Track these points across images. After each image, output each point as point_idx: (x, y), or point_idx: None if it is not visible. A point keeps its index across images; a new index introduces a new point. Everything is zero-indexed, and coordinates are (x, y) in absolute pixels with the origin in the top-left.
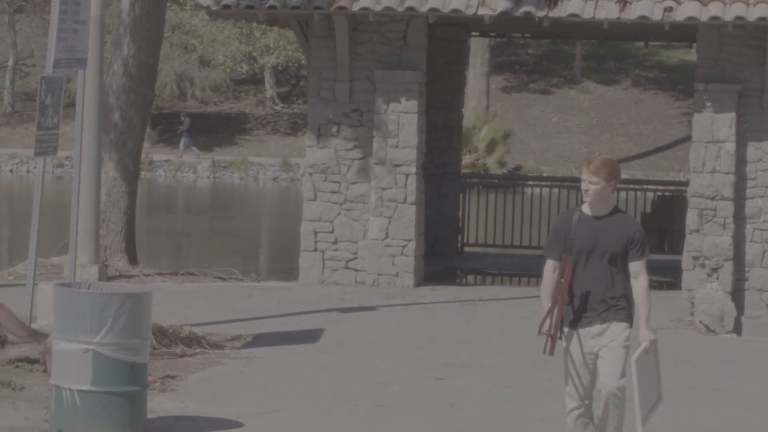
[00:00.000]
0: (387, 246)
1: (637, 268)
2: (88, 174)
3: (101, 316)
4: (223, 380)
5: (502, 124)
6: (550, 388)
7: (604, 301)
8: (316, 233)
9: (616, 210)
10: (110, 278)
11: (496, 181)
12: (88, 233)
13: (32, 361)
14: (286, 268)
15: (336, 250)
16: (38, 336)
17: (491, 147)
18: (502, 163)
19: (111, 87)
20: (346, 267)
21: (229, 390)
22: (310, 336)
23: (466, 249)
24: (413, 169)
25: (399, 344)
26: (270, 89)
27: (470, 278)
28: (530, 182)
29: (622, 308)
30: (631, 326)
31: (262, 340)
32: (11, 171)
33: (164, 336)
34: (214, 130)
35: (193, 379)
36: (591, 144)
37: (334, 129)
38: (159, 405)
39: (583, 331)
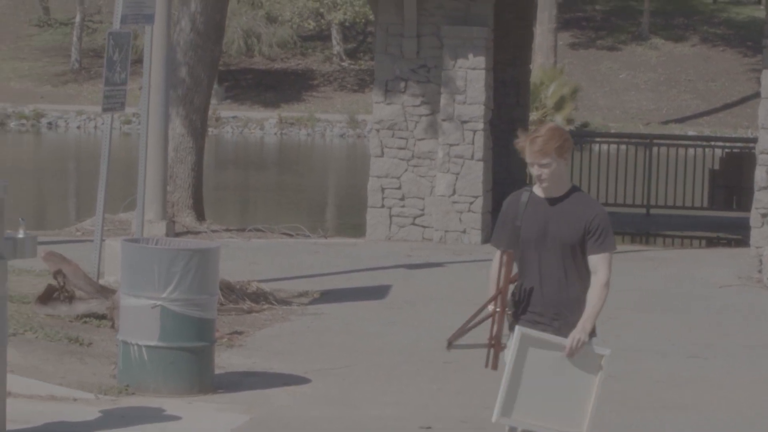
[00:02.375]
0: (454, 202)
1: (596, 264)
2: (156, 130)
3: (169, 271)
4: (290, 336)
5: (570, 81)
6: (619, 345)
7: (555, 305)
8: (383, 189)
9: (573, 190)
10: (177, 234)
11: None
12: (156, 189)
13: (100, 317)
14: (352, 224)
15: (403, 206)
16: (106, 292)
17: (559, 104)
18: (569, 120)
19: (178, 43)
20: (413, 223)
21: (296, 346)
22: (377, 292)
23: None
24: (481, 126)
25: (466, 300)
26: (337, 45)
27: None
28: (598, 139)
29: (579, 319)
30: (593, 341)
31: (329, 296)
32: (79, 128)
33: (231, 292)
34: (281, 87)
35: (260, 335)
36: (659, 101)
37: (402, 85)
38: (226, 361)
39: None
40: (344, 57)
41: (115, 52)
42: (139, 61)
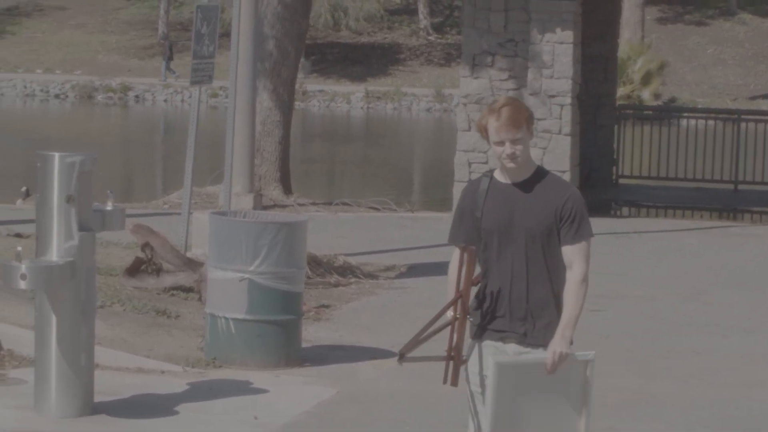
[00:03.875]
0: None
1: (570, 257)
2: (243, 103)
3: (256, 244)
4: (376, 310)
5: (657, 56)
6: (706, 321)
7: (522, 308)
8: (469, 164)
9: (539, 172)
10: (265, 207)
11: (651, 112)
12: (243, 162)
13: (187, 290)
14: (439, 198)
15: None
16: (193, 264)
17: (646, 79)
18: (656, 95)
19: (266, 16)
20: None
21: (383, 320)
22: None
23: (621, 181)
24: (568, 100)
25: None
26: (424, 19)
27: (625, 210)
28: (686, 114)
29: (551, 323)
30: (573, 347)
31: (415, 270)
32: (165, 101)
33: (318, 265)
34: (368, 61)
35: (347, 309)
36: (746, 76)
37: (489, 59)
38: (313, 334)
39: (491, 345)
40: (431, 31)
41: (203, 25)
42: (226, 34)
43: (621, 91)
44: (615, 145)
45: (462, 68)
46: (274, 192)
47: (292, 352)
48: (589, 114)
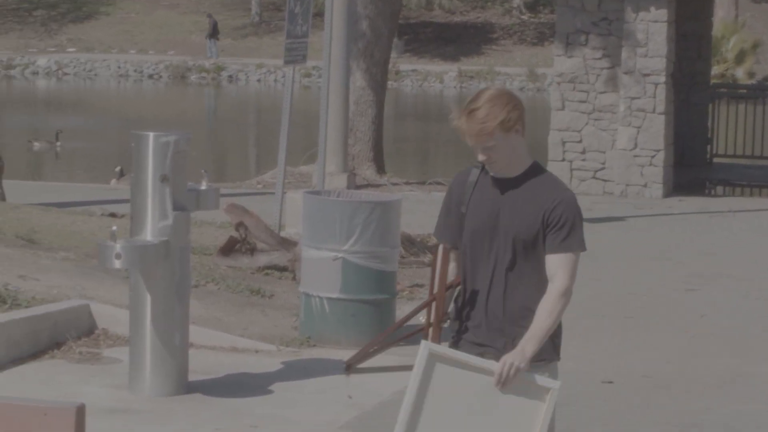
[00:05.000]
0: (635, 156)
1: (554, 267)
2: (337, 83)
3: (350, 223)
4: None
5: (751, 35)
6: None
7: (500, 319)
8: (563, 143)
9: (533, 168)
10: (358, 187)
11: (745, 91)
12: (337, 142)
13: (281, 269)
14: None
15: (584, 160)
16: (287, 244)
17: (739, 57)
18: (751, 74)
19: None
20: (593, 177)
21: None
22: None
23: (715, 160)
24: (662, 79)
25: (647, 255)
26: None
27: (719, 189)
28: None
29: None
30: (552, 362)
31: None
32: (259, 81)
33: (412, 245)
34: (461, 40)
35: None
36: None
37: (582, 38)
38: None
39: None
40: (524, 10)
41: (296, 4)
42: (319, 14)
43: (715, 69)
44: (709, 124)
45: (555, 47)
46: (367, 171)
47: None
48: (682, 93)
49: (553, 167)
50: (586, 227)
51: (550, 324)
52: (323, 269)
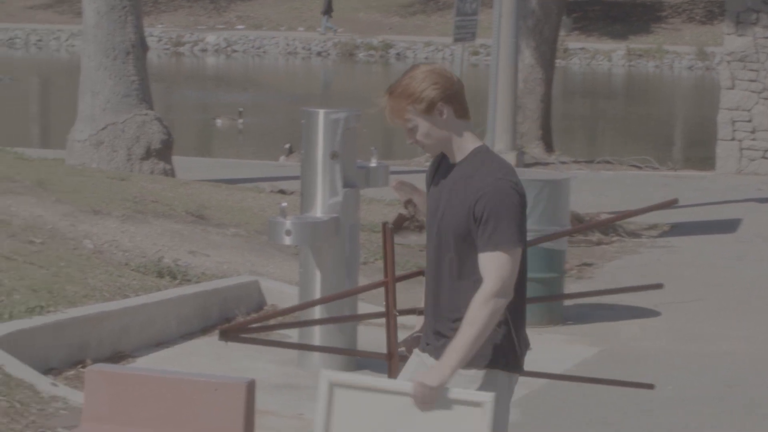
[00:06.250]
0: None
1: (481, 266)
2: (506, 61)
3: None
4: (639, 269)
5: None
6: None
7: (437, 319)
8: (733, 122)
9: (475, 154)
10: (526, 165)
11: None
12: (505, 120)
13: None
14: (700, 157)
15: (753, 139)
16: None
17: None
18: None
19: None
20: (763, 157)
21: (645, 279)
22: (727, 226)
23: None
24: None
25: None
26: None
27: None
28: None
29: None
30: (489, 370)
31: (678, 229)
32: (426, 58)
33: (581, 223)
34: (629, 18)
35: (609, 267)
36: None
37: (753, 17)
38: (575, 292)
39: (417, 354)
40: None
41: None
42: None
43: None
44: None
45: (726, 26)
46: (535, 150)
47: (554, 310)
48: None
49: (723, 147)
50: (756, 207)
51: (472, 333)
52: None
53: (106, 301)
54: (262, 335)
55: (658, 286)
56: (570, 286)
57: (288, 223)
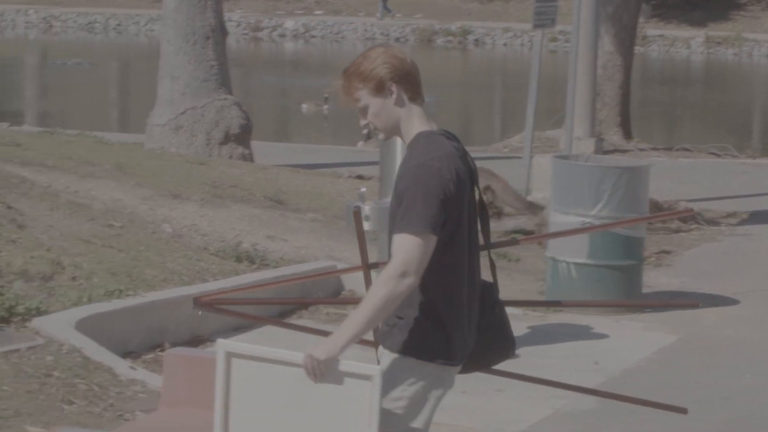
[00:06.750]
0: None
1: (392, 247)
2: (585, 48)
3: (598, 189)
4: (718, 257)
5: None
6: None
7: None
8: None
9: (414, 140)
10: (605, 152)
11: None
12: (584, 107)
13: (528, 233)
14: None
15: None
16: (534, 208)
17: None
18: None
19: None
20: None
21: (724, 267)
22: None
23: None
24: None
25: None
26: None
27: None
28: None
29: (395, 324)
30: (409, 358)
31: (758, 217)
32: (505, 45)
33: (659, 211)
34: (708, 6)
35: (687, 255)
36: None
37: None
38: (653, 280)
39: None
40: None
41: None
42: None
43: None
44: None
45: None
46: (614, 137)
47: (632, 297)
48: None
49: None
50: None
51: (367, 310)
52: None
53: (184, 285)
54: (238, 308)
55: (695, 304)
56: (649, 274)
57: (366, 209)
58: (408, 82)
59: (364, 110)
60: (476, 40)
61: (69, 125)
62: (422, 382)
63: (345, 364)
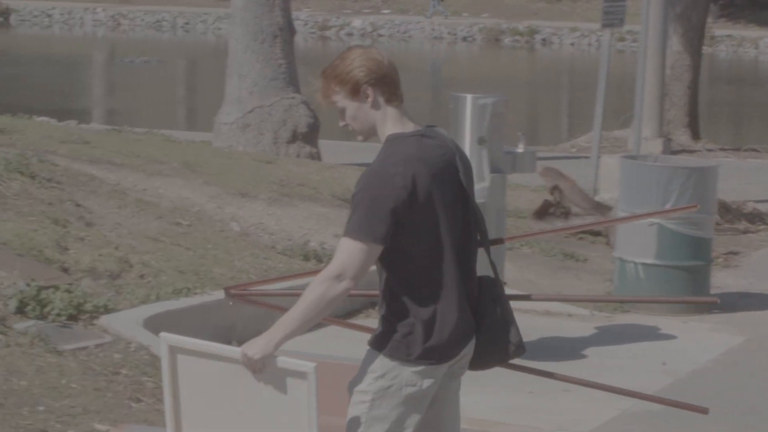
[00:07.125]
0: None
1: (337, 248)
2: (653, 47)
3: (666, 189)
4: None
5: None
6: None
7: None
8: None
9: (387, 140)
10: (673, 152)
11: None
12: (652, 107)
13: (595, 234)
14: None
15: None
16: (601, 208)
17: None
18: None
19: None
20: None
21: None
22: None
23: None
24: None
25: None
26: None
27: None
28: None
29: (379, 324)
30: (386, 357)
31: None
32: (572, 44)
33: (727, 212)
34: None
35: (756, 256)
36: None
37: None
38: (721, 281)
39: None
40: None
41: None
42: None
43: None
44: None
45: None
46: (682, 137)
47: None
48: None
49: None
50: None
51: (302, 309)
52: (638, 234)
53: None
54: (268, 299)
55: (714, 300)
56: (717, 275)
57: None
58: (385, 84)
59: (342, 112)
60: (543, 39)
61: (137, 123)
62: (389, 378)
63: (282, 361)
